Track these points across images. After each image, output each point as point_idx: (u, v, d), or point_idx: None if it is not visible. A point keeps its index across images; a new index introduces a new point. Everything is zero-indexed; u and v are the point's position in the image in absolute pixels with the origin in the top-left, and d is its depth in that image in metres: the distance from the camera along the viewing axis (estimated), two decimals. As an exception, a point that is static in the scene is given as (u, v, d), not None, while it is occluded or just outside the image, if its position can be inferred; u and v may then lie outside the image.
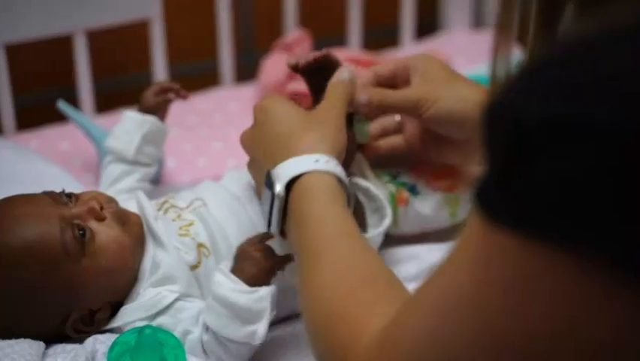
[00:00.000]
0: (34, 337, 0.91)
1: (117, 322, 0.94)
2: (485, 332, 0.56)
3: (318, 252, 0.81)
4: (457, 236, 0.59)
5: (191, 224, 1.00)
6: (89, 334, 0.93)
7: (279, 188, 0.87)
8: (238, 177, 1.05)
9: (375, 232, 1.01)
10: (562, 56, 0.51)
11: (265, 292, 0.90)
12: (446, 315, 0.59)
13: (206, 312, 0.92)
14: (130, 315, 0.94)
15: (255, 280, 0.90)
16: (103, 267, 0.93)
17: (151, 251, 0.97)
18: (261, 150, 0.94)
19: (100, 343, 0.90)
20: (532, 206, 0.51)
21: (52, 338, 0.93)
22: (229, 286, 0.90)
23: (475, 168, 1.06)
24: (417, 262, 1.09)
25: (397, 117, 1.10)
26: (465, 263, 0.57)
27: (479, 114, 0.97)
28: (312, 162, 0.87)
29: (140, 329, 0.90)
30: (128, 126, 1.12)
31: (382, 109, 1.04)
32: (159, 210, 1.02)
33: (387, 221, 1.02)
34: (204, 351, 0.93)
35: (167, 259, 0.96)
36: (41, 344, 0.91)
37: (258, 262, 0.91)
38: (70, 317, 0.93)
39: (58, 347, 0.92)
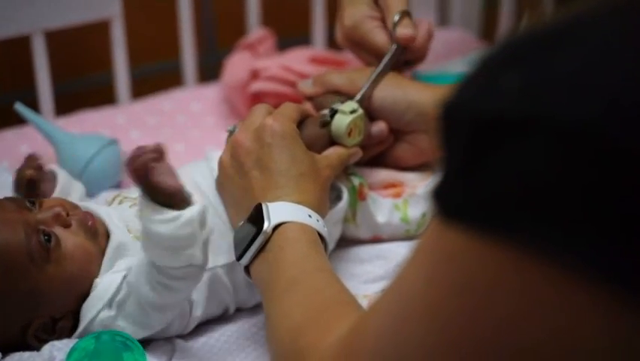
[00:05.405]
0: None
1: (82, 323, 0.93)
2: (442, 332, 0.55)
3: (287, 284, 0.84)
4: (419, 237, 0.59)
5: None
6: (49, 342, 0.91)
7: (267, 225, 0.88)
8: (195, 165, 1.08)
9: (330, 211, 1.02)
10: (518, 52, 0.51)
11: (185, 218, 0.85)
12: (404, 316, 0.58)
13: (145, 249, 0.89)
14: (90, 310, 0.92)
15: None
16: (68, 274, 0.92)
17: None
18: (256, 169, 0.95)
19: (57, 350, 0.89)
20: (487, 202, 0.50)
21: (11, 346, 0.92)
22: (154, 218, 0.86)
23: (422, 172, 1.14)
24: (384, 262, 1.09)
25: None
26: (422, 263, 0.57)
27: (421, 108, 0.98)
28: (305, 215, 0.91)
29: (98, 335, 0.88)
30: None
31: (325, 85, 1.11)
32: (111, 204, 1.03)
33: (342, 203, 1.04)
34: (153, 287, 0.90)
35: (117, 230, 0.96)
36: (-3, 354, 0.90)
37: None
38: (32, 324, 0.91)
39: (15, 356, 0.90)
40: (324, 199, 0.97)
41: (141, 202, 0.86)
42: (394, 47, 1.11)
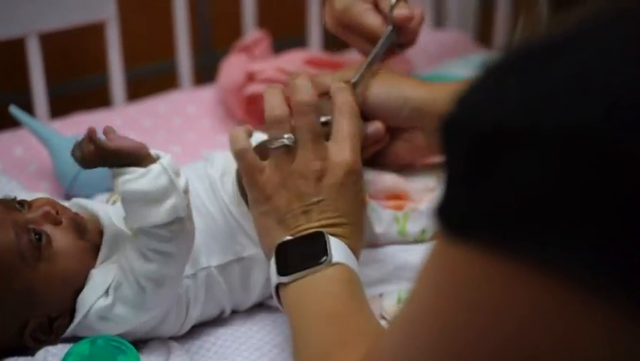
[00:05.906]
0: None
1: (78, 315, 0.92)
2: (451, 345, 0.55)
3: (328, 317, 0.85)
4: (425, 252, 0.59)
5: None
6: (48, 343, 0.91)
7: (329, 261, 0.88)
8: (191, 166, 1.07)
9: None
10: (517, 62, 0.51)
11: (157, 169, 0.88)
12: (414, 331, 0.59)
13: (128, 217, 0.91)
14: (88, 300, 0.92)
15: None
16: (61, 271, 0.91)
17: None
18: (322, 197, 0.93)
19: (52, 355, 0.89)
20: (490, 213, 0.50)
21: (8, 350, 0.92)
22: (126, 178, 0.88)
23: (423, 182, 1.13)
24: (381, 265, 1.08)
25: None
26: (428, 279, 0.58)
27: (417, 104, 0.98)
28: (355, 263, 0.91)
29: (93, 340, 0.88)
30: None
31: (317, 87, 1.08)
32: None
33: None
34: (145, 257, 0.90)
35: (112, 225, 0.95)
36: (-10, 360, 0.89)
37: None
38: (28, 325, 0.91)
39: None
40: (360, 246, 0.97)
41: (112, 174, 0.89)
42: (389, 28, 1.10)
